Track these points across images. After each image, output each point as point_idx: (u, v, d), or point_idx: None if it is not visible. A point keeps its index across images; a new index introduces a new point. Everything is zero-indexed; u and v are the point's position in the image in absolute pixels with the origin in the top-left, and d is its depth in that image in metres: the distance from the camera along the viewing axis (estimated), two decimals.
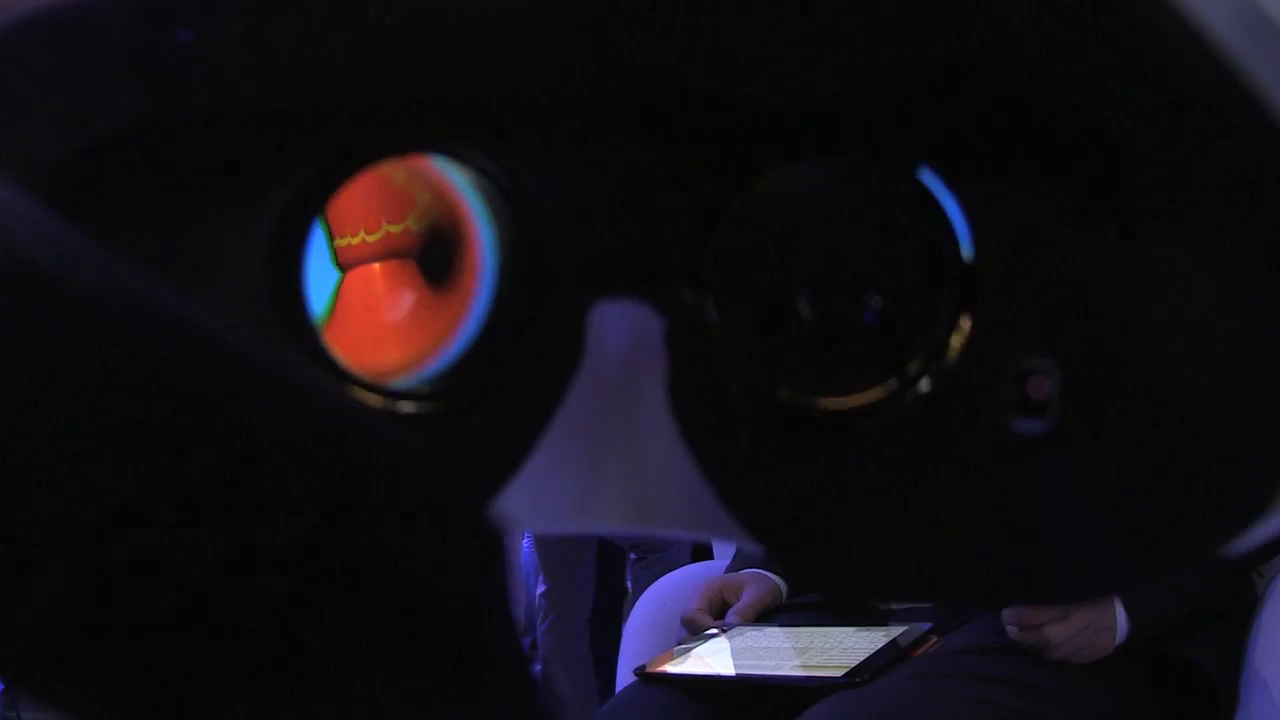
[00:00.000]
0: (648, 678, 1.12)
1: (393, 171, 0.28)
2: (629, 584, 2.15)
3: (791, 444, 0.27)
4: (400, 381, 0.28)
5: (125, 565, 0.13)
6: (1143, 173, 0.23)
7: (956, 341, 0.26)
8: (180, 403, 0.13)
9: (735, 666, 1.09)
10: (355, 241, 0.29)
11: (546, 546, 2.02)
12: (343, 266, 0.29)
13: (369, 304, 0.29)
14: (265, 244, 0.26)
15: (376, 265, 0.30)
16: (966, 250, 0.26)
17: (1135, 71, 0.21)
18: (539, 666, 2.06)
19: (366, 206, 0.29)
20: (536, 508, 0.28)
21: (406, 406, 0.27)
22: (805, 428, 0.27)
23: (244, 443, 0.14)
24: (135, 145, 0.23)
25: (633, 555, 2.08)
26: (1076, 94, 0.23)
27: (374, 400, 0.27)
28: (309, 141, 0.26)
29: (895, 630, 1.09)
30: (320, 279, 0.29)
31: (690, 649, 1.14)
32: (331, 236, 0.29)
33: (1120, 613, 0.95)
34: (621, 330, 0.27)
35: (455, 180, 0.28)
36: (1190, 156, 0.22)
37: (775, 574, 1.19)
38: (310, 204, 0.26)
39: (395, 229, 0.30)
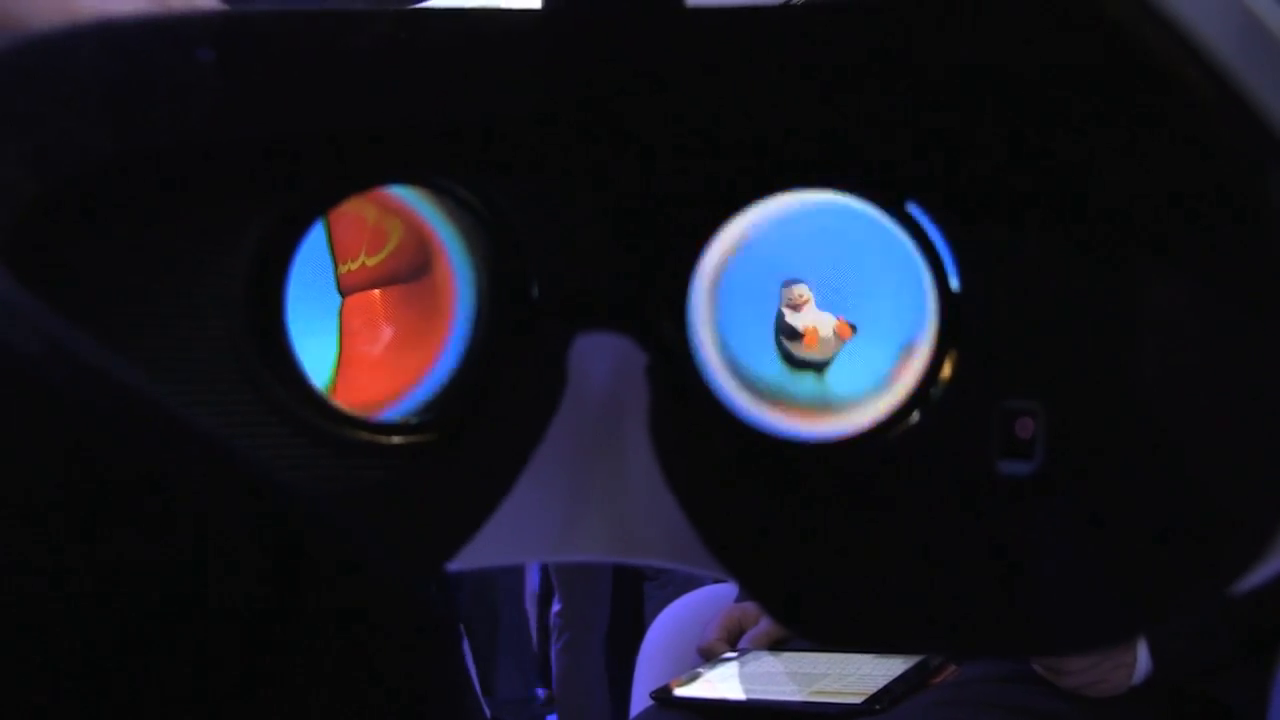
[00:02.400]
0: (664, 701, 1.12)
1: (365, 207, 0.29)
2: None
3: (772, 480, 0.27)
4: (382, 414, 0.28)
5: (62, 639, 0.13)
6: (1134, 209, 0.23)
7: (943, 376, 0.26)
8: (121, 474, 0.14)
9: (753, 692, 1.08)
10: (355, 267, 0.30)
11: (562, 565, 2.02)
12: (343, 292, 0.29)
13: (350, 333, 0.29)
14: (243, 277, 0.26)
15: (377, 292, 0.30)
16: (954, 283, 0.26)
17: (1131, 107, 0.22)
18: (553, 685, 2.06)
19: (366, 229, 0.29)
20: (520, 537, 0.28)
21: (392, 439, 0.28)
22: (787, 464, 0.27)
23: (182, 516, 0.14)
24: (106, 181, 0.23)
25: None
26: (1070, 131, 0.23)
27: (359, 434, 0.27)
28: (285, 174, 0.26)
29: (914, 657, 1.08)
30: (324, 306, 0.29)
31: (708, 673, 1.14)
32: (335, 262, 0.29)
33: (1143, 654, 0.94)
34: (604, 364, 0.27)
35: (427, 215, 0.28)
36: (1182, 183, 0.22)
37: None
38: (288, 237, 0.26)
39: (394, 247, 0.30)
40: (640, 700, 1.26)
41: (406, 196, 0.28)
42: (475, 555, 0.28)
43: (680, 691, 1.11)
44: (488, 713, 2.01)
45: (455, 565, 0.28)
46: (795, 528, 0.27)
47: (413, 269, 0.30)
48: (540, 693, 2.18)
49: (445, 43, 0.24)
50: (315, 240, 0.28)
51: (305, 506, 0.15)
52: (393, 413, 0.28)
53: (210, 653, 0.14)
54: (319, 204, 0.27)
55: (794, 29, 0.24)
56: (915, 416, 0.27)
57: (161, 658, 0.14)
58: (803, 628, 0.26)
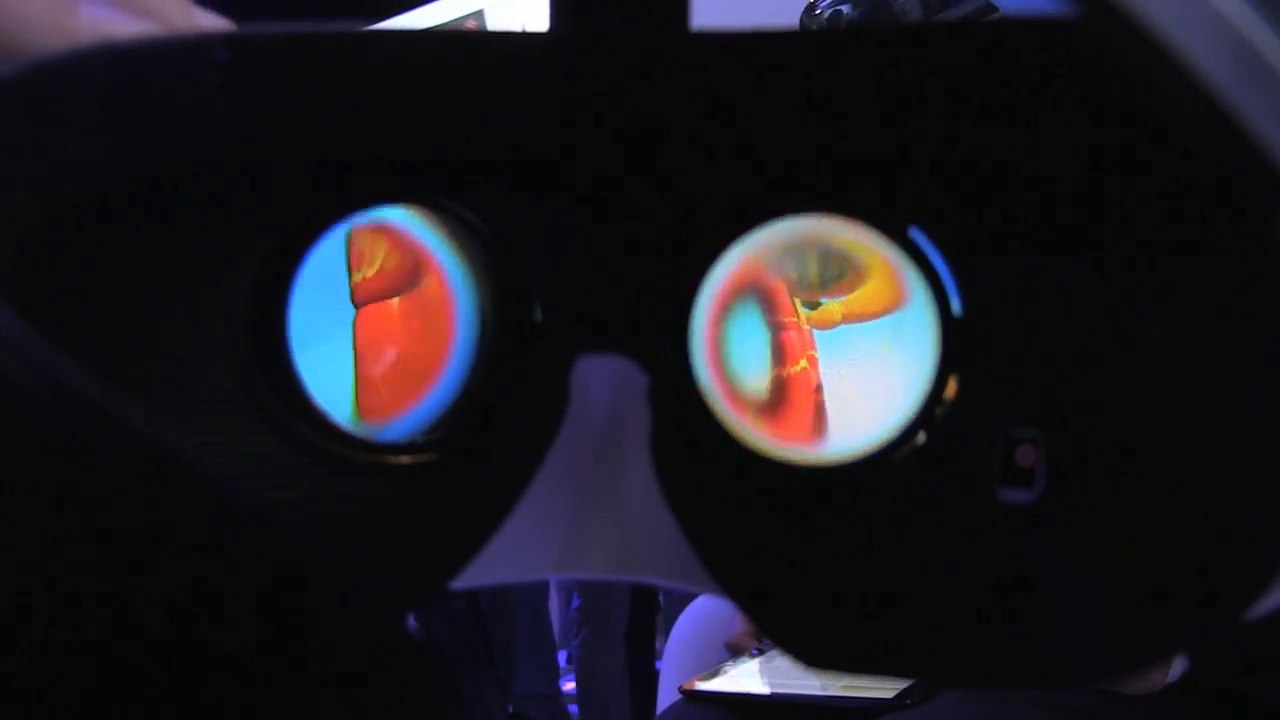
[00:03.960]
0: (693, 696, 1.13)
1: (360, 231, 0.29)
2: (661, 598, 2.16)
3: (771, 503, 0.27)
4: (385, 434, 0.28)
5: (52, 684, 0.13)
6: (1139, 241, 0.23)
7: (943, 403, 0.26)
8: (120, 517, 0.14)
9: (783, 686, 1.09)
10: (371, 274, 0.30)
11: None
12: (357, 303, 0.29)
13: (360, 346, 0.29)
14: (245, 297, 0.26)
15: (394, 301, 0.30)
16: (955, 308, 0.26)
17: (1133, 140, 0.22)
18: (574, 680, 2.07)
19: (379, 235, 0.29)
20: (522, 556, 0.29)
21: (397, 458, 0.28)
22: (786, 487, 0.27)
23: (181, 561, 0.14)
24: (110, 205, 0.23)
25: None
26: (1076, 162, 0.23)
27: (361, 453, 0.28)
28: (289, 194, 0.26)
29: None
30: (338, 321, 0.29)
31: (736, 667, 1.14)
32: (350, 270, 0.29)
33: None
34: (605, 385, 0.27)
35: (422, 235, 0.29)
36: (1187, 223, 0.22)
37: None
38: (290, 256, 0.27)
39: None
40: (667, 694, 1.27)
41: (404, 220, 0.28)
42: (478, 574, 0.28)
43: (709, 685, 1.12)
44: (510, 709, 2.03)
45: (458, 584, 0.28)
46: (794, 552, 0.27)
47: (409, 283, 0.30)
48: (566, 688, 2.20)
49: (451, 63, 0.24)
50: (333, 254, 0.28)
51: (309, 553, 0.15)
52: (395, 432, 0.29)
53: (203, 699, 0.14)
54: (320, 224, 0.27)
55: (799, 54, 0.24)
56: (917, 442, 0.27)
57: (155, 704, 0.14)
58: (800, 652, 0.26)
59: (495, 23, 2.16)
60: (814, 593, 0.26)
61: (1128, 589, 0.24)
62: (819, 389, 0.28)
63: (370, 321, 0.29)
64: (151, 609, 0.14)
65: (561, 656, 2.25)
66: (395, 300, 0.30)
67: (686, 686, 1.13)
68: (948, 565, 0.26)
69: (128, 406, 0.14)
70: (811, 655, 0.26)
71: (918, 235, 0.26)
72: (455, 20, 2.13)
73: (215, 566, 0.14)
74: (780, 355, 0.29)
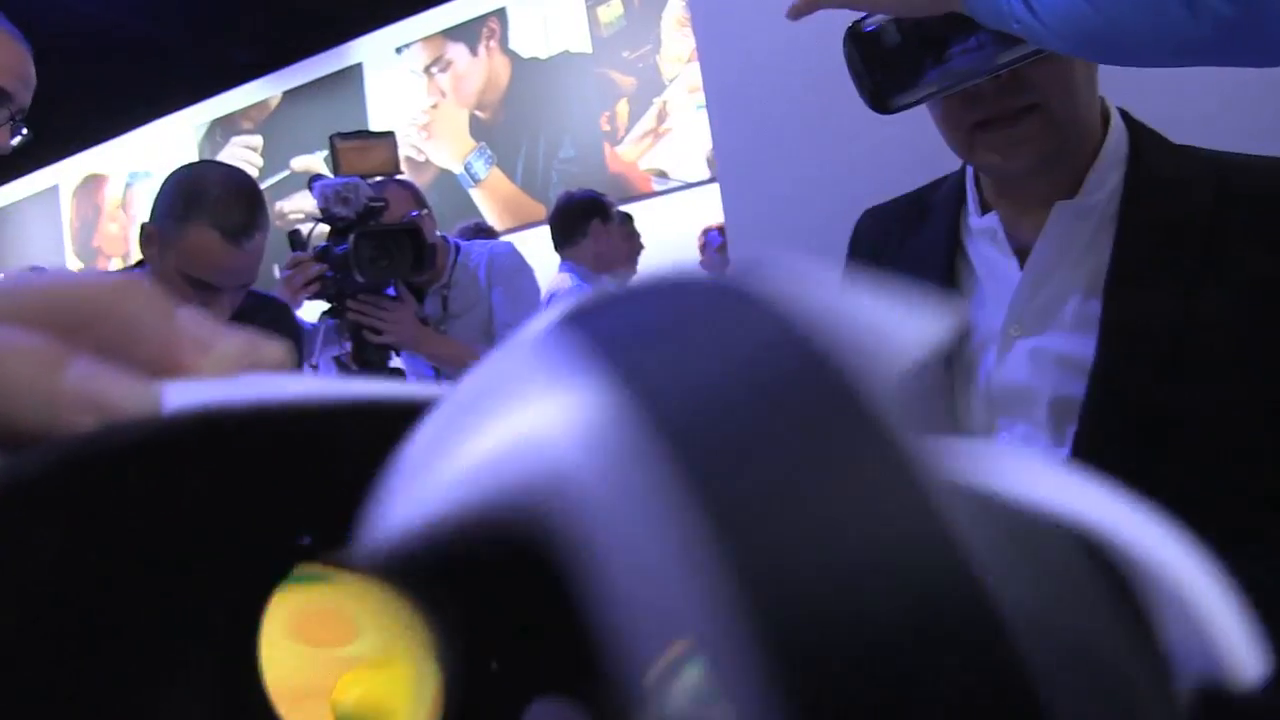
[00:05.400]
0: None
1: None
2: None
3: None
4: None
5: None
6: None
7: None
8: None
9: None
10: (331, 640, 0.30)
11: None
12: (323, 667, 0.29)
13: None
14: (212, 667, 0.28)
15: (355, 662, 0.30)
16: None
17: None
18: None
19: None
20: None
21: None
22: None
23: None
24: (75, 600, 0.24)
25: None
26: None
27: None
28: (250, 566, 0.27)
29: None
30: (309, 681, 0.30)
31: None
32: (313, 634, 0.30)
33: None
34: None
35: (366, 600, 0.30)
36: None
37: None
38: (248, 627, 0.28)
39: None
40: None
41: (357, 588, 0.29)
42: None
43: None
44: None
45: None
46: None
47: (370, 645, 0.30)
48: None
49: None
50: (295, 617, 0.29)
51: None
52: None
53: None
54: (266, 592, 0.28)
55: None
56: None
57: None
58: None
59: (518, 21, 2.14)
60: None
61: None
62: None
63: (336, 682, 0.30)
64: None
65: None
66: (355, 660, 0.30)
67: None
68: None
69: None
70: None
71: None
72: (476, 19, 2.11)
73: None
74: None
